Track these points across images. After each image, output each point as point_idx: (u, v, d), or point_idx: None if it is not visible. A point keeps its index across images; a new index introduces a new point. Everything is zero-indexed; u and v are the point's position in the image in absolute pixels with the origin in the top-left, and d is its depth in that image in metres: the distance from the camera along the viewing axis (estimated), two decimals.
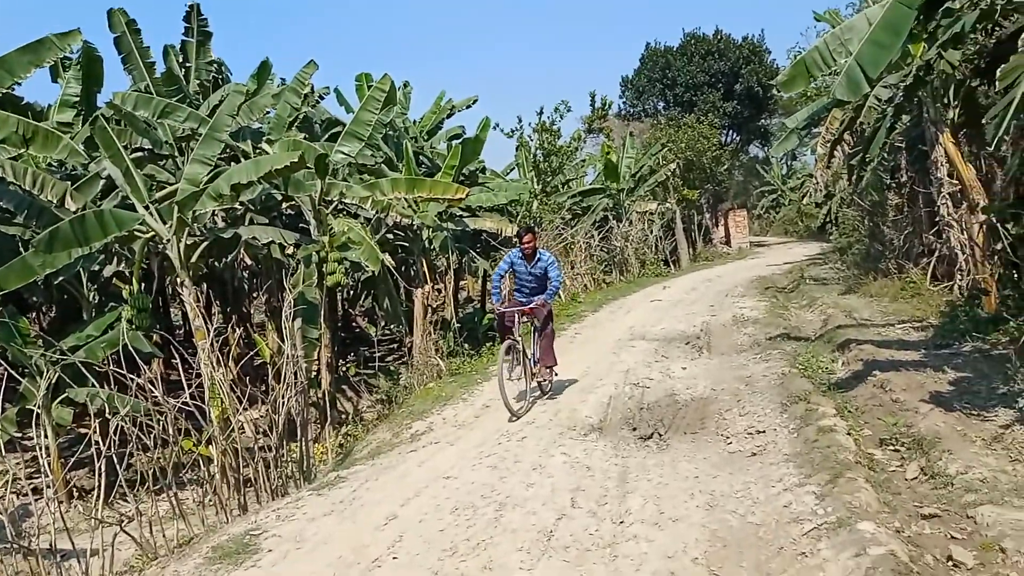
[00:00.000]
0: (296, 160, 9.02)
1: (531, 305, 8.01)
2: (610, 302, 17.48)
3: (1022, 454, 4.77)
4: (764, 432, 6.08)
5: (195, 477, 7.93)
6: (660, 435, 6.59)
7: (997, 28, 9.83)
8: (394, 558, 4.44)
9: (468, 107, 21.28)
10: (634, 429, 6.86)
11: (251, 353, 9.57)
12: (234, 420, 7.46)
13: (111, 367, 6.97)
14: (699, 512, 4.58)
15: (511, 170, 24.80)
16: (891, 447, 5.35)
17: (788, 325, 11.50)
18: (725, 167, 31.45)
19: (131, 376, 6.70)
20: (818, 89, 20.31)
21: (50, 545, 5.50)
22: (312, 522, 5.35)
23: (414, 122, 20.59)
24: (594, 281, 20.37)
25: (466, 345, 13.26)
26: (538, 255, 8.21)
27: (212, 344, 8.81)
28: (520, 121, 24.93)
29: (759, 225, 42.52)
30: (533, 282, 8.28)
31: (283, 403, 7.63)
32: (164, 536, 6.10)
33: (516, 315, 8.04)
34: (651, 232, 25.00)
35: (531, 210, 19.65)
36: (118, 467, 6.15)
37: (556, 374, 8.59)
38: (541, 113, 20.84)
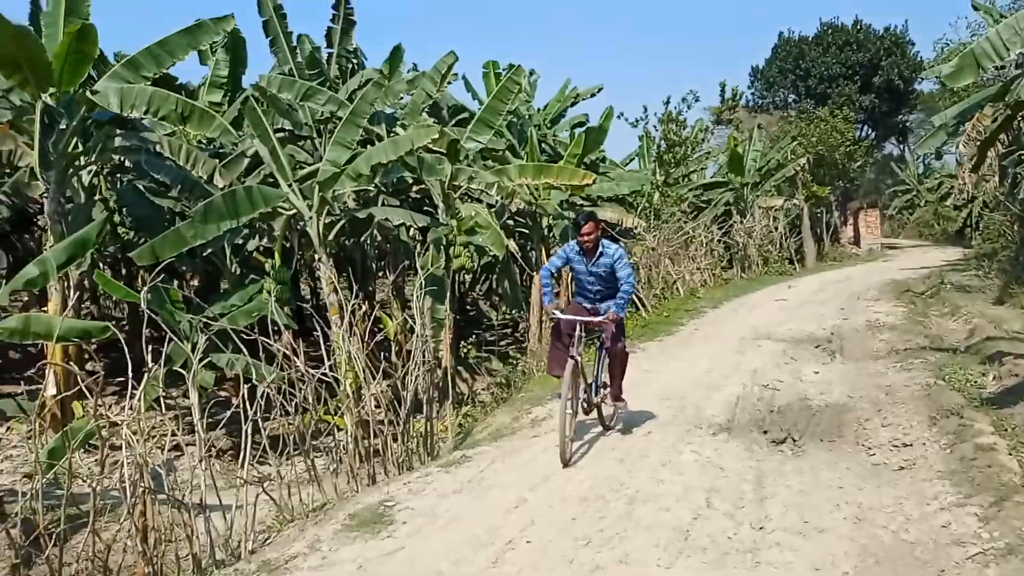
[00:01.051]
0: (435, 137, 9.19)
1: (600, 319, 6.36)
2: (731, 299, 17.02)
3: None
4: (911, 445, 5.76)
5: (326, 445, 8.29)
6: (794, 440, 6.36)
7: None
8: (527, 542, 4.48)
9: (592, 95, 21.11)
10: (765, 432, 6.66)
11: (379, 332, 9.90)
12: (366, 393, 7.73)
13: (257, 335, 7.37)
14: (846, 524, 4.39)
15: (631, 160, 24.48)
16: None
17: (929, 333, 10.84)
18: (858, 164, 29.92)
19: (274, 346, 7.04)
20: (967, 86, 18.99)
21: (200, 499, 5.86)
22: (443, 498, 5.48)
23: (538, 110, 20.63)
24: (713, 277, 19.88)
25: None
26: (601, 249, 6.45)
27: (349, 319, 9.16)
28: (645, 111, 24.48)
29: (890, 226, 40.24)
30: (596, 284, 6.59)
31: (412, 379, 7.84)
32: (300, 499, 6.42)
33: (579, 326, 6.36)
34: (775, 229, 24.11)
35: (652, 201, 19.34)
36: (262, 430, 6.50)
37: (624, 406, 6.91)
38: (667, 103, 20.44)
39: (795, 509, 4.66)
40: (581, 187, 12.39)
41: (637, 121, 21.62)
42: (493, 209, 13.72)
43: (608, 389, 6.83)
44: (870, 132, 37.23)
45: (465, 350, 13.10)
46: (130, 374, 5.94)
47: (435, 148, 11.16)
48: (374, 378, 7.70)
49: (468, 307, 23.12)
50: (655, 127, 20.83)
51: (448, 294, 11.24)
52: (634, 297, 15.13)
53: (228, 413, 6.90)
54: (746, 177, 23.72)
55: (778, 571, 3.88)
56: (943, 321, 11.99)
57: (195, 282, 17.36)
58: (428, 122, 12.93)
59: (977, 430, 5.71)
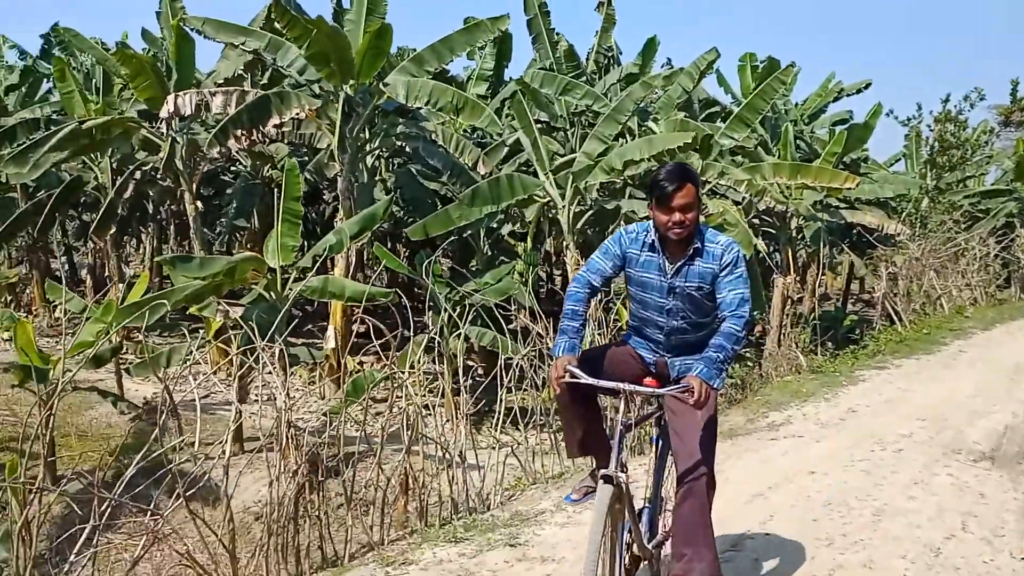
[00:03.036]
0: (688, 141, 9.36)
1: (672, 390, 3.18)
2: (1006, 321, 15.26)
3: None
4: None
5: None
6: None
7: None
8: (766, 534, 4.59)
9: (859, 91, 19.86)
10: None
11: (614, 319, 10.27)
12: None
13: (508, 311, 8.07)
14: None
15: (895, 161, 22.69)
16: None
17: None
18: None
19: (531, 324, 7.66)
20: None
21: (460, 455, 6.58)
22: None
23: (796, 104, 19.79)
24: (986, 296, 17.91)
25: (829, 344, 12.66)
26: (700, 238, 3.32)
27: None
28: (919, 108, 22.37)
29: None
30: (679, 312, 3.40)
31: None
32: (542, 465, 6.96)
33: (624, 399, 3.16)
34: None
35: (919, 207, 17.83)
36: (501, 400, 7.15)
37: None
38: (947, 100, 18.65)
39: None
40: (839, 188, 11.83)
41: (909, 119, 19.96)
42: (739, 206, 13.51)
43: (679, 552, 3.27)
44: None
45: None
46: (410, 333, 6.76)
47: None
48: None
49: None
50: (929, 127, 19.10)
51: None
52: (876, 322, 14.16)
53: (486, 382, 7.63)
54: None
55: None
56: None
57: (447, 261, 18.90)
58: (680, 117, 13.00)
59: None
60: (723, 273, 3.26)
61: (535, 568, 4.24)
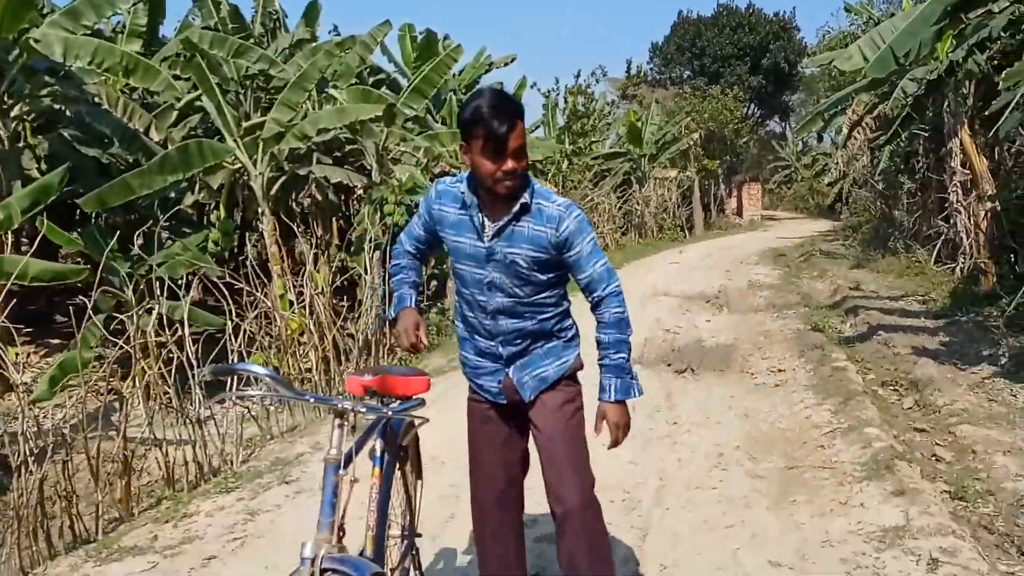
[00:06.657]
0: (380, 113, 10.01)
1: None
2: (630, 262, 18.61)
3: (997, 396, 5.93)
4: (784, 371, 7.26)
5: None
6: (693, 370, 7.77)
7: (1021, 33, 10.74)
8: None
9: (506, 64, 22.05)
10: (669, 365, 8.04)
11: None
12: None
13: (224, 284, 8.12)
14: (736, 419, 5.78)
15: (536, 128, 25.70)
16: (892, 387, 6.52)
17: (800, 291, 12.64)
18: (744, 140, 32.25)
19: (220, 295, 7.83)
20: (842, 74, 21.12)
21: (198, 420, 6.61)
22: None
23: (453, 75, 21.39)
24: (614, 242, 21.48)
25: None
26: (530, 193, 2.59)
27: (284, 269, 10.06)
28: (557, 82, 25.40)
29: (770, 199, 43.33)
30: (507, 284, 2.67)
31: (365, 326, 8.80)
32: (277, 421, 7.30)
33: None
34: (669, 199, 25.98)
35: (561, 169, 20.63)
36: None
37: None
38: (578, 76, 21.71)
39: (699, 411, 6.03)
40: None
41: (549, 92, 22.78)
42: (419, 168, 14.56)
43: None
44: (756, 110, 39.95)
45: None
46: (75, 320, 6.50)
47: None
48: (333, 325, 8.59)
49: None
50: (564, 99, 22.06)
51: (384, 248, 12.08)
52: None
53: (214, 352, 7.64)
54: (644, 149, 25.37)
55: (689, 447, 5.21)
56: (813, 282, 13.88)
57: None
58: (360, 86, 13.55)
59: (835, 358, 7.27)
60: (573, 243, 2.59)
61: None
